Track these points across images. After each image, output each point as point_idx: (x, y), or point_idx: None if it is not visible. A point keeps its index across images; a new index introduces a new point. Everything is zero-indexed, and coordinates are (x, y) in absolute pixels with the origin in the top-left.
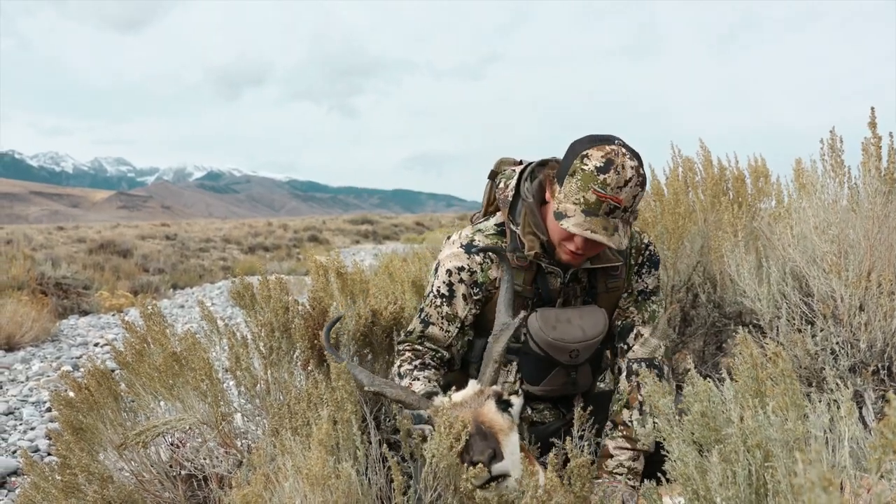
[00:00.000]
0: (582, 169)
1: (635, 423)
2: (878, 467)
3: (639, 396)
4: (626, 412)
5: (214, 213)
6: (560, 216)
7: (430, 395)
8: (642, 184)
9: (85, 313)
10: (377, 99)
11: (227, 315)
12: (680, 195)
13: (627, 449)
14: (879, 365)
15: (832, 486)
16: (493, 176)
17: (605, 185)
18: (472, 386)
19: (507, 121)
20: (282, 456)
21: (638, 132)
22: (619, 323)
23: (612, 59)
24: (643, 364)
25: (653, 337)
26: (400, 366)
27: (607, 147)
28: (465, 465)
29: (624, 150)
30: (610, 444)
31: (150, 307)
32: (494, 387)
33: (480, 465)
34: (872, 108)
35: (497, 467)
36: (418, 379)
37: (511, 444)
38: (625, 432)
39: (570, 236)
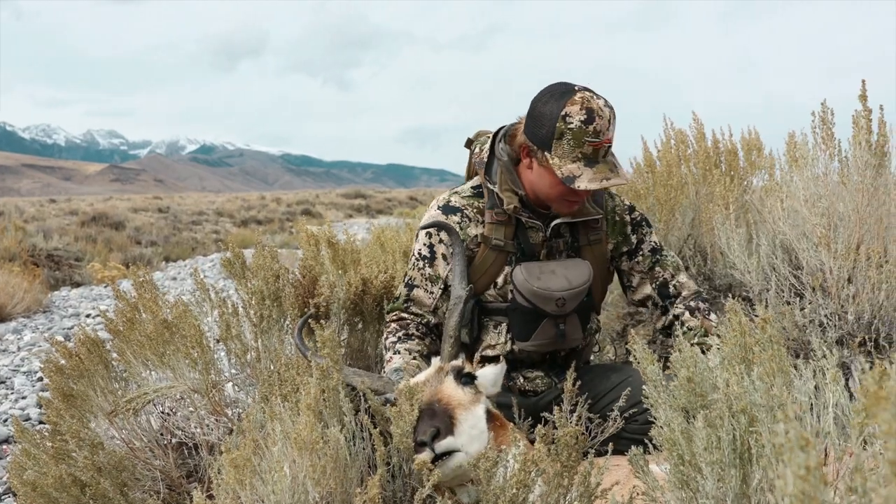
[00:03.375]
0: (569, 128)
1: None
2: (861, 432)
3: (711, 322)
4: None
5: (207, 187)
6: (570, 180)
7: (399, 376)
8: (615, 114)
9: (77, 285)
10: (374, 72)
11: (220, 287)
12: (672, 167)
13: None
14: (866, 337)
15: (809, 445)
16: (470, 145)
17: (596, 133)
18: (434, 363)
19: (508, 92)
20: (271, 422)
21: (642, 105)
22: (654, 286)
23: (617, 30)
24: (698, 300)
25: (689, 280)
26: (386, 338)
27: (576, 97)
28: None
29: (588, 93)
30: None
31: (142, 276)
32: (454, 361)
33: (424, 446)
34: (863, 81)
35: (440, 445)
36: (399, 352)
37: (472, 417)
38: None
39: (574, 191)
